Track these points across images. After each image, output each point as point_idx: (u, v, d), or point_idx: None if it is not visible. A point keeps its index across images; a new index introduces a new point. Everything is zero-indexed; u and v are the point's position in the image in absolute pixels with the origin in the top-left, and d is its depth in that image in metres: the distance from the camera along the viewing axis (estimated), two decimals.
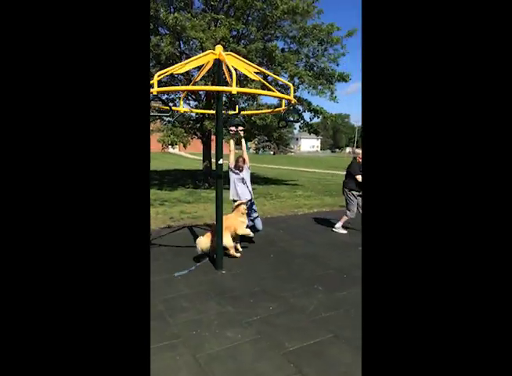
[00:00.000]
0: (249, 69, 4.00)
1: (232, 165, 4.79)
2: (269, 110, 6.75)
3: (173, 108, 4.95)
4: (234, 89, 3.07)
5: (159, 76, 3.29)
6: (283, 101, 4.45)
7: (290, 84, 4.20)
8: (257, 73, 4.06)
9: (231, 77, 3.43)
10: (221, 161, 3.89)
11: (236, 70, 4.60)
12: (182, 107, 5.37)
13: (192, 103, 11.88)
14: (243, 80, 9.38)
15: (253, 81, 9.28)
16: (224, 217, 4.02)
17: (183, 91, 7.52)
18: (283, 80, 5.24)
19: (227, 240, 4.11)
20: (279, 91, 3.74)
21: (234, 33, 10.24)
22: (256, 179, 14.88)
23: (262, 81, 4.14)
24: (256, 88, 9.21)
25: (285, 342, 2.41)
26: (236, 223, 4.32)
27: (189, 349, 2.32)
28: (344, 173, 5.92)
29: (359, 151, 5.46)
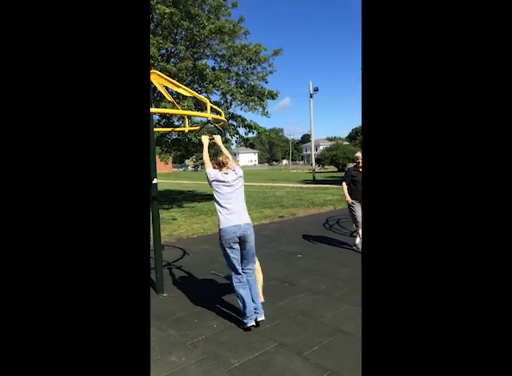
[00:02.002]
0: (178, 88, 4.02)
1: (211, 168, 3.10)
2: (183, 129, 6.72)
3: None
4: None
5: None
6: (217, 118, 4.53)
7: (207, 100, 4.02)
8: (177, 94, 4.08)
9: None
10: (155, 181, 3.80)
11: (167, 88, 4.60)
12: None
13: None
14: (175, 98, 9.32)
15: (185, 98, 9.29)
16: None
17: None
18: (199, 97, 5.04)
19: None
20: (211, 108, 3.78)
21: (163, 51, 10.19)
22: (196, 197, 14.68)
23: (196, 95, 4.19)
24: (189, 106, 9.22)
25: (230, 358, 2.40)
26: None
27: None
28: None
29: (359, 154, 5.11)
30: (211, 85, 10.12)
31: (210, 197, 14.49)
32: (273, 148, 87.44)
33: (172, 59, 10.65)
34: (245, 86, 11.30)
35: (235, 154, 72.41)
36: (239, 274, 2.91)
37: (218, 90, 10.42)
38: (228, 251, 2.87)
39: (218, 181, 2.99)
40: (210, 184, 3.05)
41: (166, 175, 37.65)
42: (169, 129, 8.84)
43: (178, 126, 10.71)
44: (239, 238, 2.88)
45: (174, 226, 7.71)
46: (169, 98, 4.76)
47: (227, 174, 3.03)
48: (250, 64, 11.18)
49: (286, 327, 2.83)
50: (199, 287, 3.88)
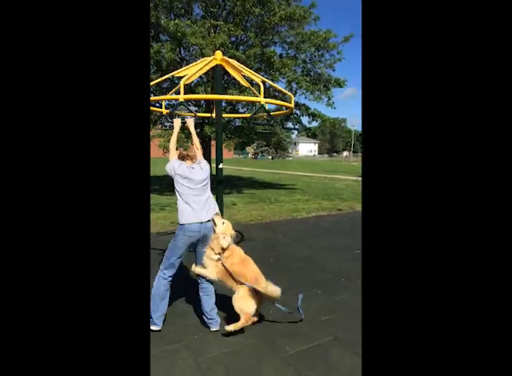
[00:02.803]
0: (246, 75, 4.06)
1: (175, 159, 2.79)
2: (247, 115, 6.85)
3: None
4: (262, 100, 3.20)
5: (185, 82, 3.34)
6: (283, 106, 4.52)
7: (290, 94, 4.19)
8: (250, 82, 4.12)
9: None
10: (221, 166, 3.94)
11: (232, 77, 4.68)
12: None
13: (192, 108, 11.94)
14: (241, 85, 9.45)
15: (252, 86, 9.38)
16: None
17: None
18: (279, 87, 5.22)
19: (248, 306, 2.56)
20: (276, 96, 3.79)
21: (233, 39, 10.34)
22: (254, 184, 14.91)
23: (249, 86, 4.22)
24: (254, 94, 9.30)
25: (285, 346, 2.44)
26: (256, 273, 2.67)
27: (191, 353, 2.35)
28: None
29: None
30: (278, 73, 10.07)
31: (268, 185, 14.65)
32: (334, 139, 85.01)
33: (241, 47, 10.77)
34: (311, 74, 11.07)
35: (294, 144, 71.79)
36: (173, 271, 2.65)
37: (284, 78, 10.34)
38: (182, 247, 2.59)
39: (182, 176, 2.63)
40: (172, 177, 2.68)
41: (227, 161, 38.67)
42: (234, 115, 9.03)
43: (243, 113, 10.88)
44: (200, 238, 2.62)
45: (234, 211, 7.93)
46: (245, 83, 4.74)
47: (193, 168, 2.70)
48: (318, 51, 10.89)
49: (342, 322, 2.80)
50: None
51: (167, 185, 13.62)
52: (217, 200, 3.96)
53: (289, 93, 4.33)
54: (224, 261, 2.56)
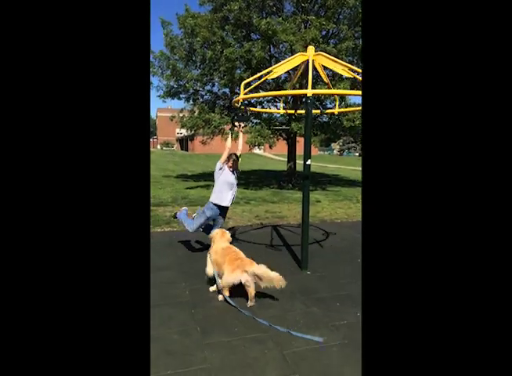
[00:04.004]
0: (338, 67, 3.95)
1: (224, 163, 3.99)
2: (356, 109, 6.56)
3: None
4: (310, 91, 3.08)
5: (245, 85, 3.49)
6: None
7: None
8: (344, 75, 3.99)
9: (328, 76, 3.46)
10: (309, 162, 3.90)
11: (326, 68, 4.58)
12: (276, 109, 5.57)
13: (279, 104, 12.09)
14: (331, 80, 9.23)
15: (342, 80, 9.08)
16: (220, 249, 3.22)
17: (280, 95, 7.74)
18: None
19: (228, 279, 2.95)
20: None
21: (323, 33, 10.14)
22: (340, 181, 14.48)
23: (356, 76, 4.06)
24: (345, 88, 8.99)
25: None
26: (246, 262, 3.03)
27: (277, 345, 2.39)
28: None
29: None
30: None
31: (353, 183, 14.08)
32: None
33: (332, 41, 10.50)
34: None
35: None
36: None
37: None
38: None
39: (226, 177, 3.97)
40: (217, 171, 4.00)
41: (312, 157, 38.11)
42: (318, 111, 8.83)
43: (330, 108, 10.63)
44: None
45: (318, 208, 7.82)
46: (326, 79, 4.71)
47: (233, 174, 4.04)
48: None
49: None
50: (341, 271, 3.86)
51: (252, 179, 14.05)
52: (302, 197, 3.96)
53: None
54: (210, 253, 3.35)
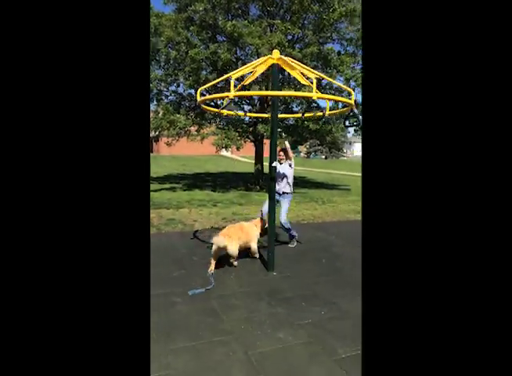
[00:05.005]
0: (302, 72, 4.01)
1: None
2: (298, 115, 6.77)
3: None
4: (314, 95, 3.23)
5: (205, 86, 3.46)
6: (339, 104, 4.39)
7: (350, 90, 4.05)
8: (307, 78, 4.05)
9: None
10: (274, 164, 3.93)
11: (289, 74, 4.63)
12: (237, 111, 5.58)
13: (246, 106, 12.12)
14: (297, 83, 9.39)
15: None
16: (238, 224, 4.25)
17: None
18: (339, 84, 5.09)
19: (233, 249, 3.85)
20: (332, 94, 3.66)
21: (289, 37, 10.30)
22: (306, 184, 14.73)
23: (310, 84, 4.15)
24: (310, 91, 9.17)
25: (337, 348, 2.37)
26: (252, 236, 4.21)
27: (242, 346, 2.37)
28: None
29: None
30: (335, 71, 9.84)
31: (320, 185, 14.38)
32: None
33: (297, 45, 10.68)
34: None
35: (350, 143, 69.65)
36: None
37: (341, 76, 10.08)
38: None
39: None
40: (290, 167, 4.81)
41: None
42: (288, 115, 8.97)
43: (296, 112, 10.81)
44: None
45: None
46: (305, 82, 4.70)
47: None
48: None
49: None
50: (306, 271, 3.92)
51: (219, 182, 13.98)
52: (268, 198, 3.99)
53: (349, 89, 4.17)
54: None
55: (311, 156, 51.90)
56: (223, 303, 3.02)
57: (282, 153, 4.82)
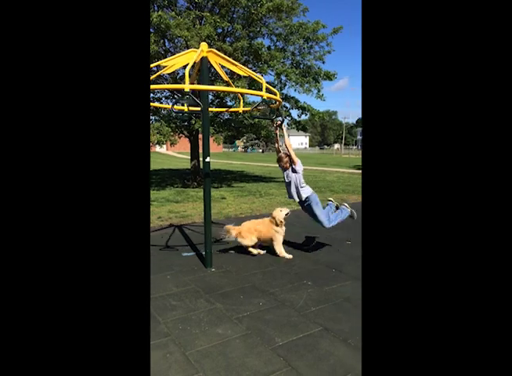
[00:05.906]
0: (234, 67, 3.99)
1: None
2: (235, 109, 6.85)
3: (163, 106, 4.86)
4: (187, 86, 2.96)
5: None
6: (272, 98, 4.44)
7: (263, 81, 3.87)
8: (231, 73, 4.04)
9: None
10: (208, 159, 3.87)
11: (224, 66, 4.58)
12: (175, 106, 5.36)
13: (183, 101, 11.79)
14: (230, 77, 9.35)
15: (240, 78, 9.27)
16: (260, 220, 4.46)
17: (169, 90, 7.50)
18: (254, 76, 4.92)
19: (247, 242, 4.27)
20: (261, 89, 3.62)
21: (219, 31, 10.20)
22: (245, 177, 14.86)
23: (251, 74, 4.13)
24: (243, 86, 9.19)
25: (275, 337, 2.43)
26: (271, 233, 4.29)
27: (180, 347, 2.32)
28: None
29: None
30: (266, 65, 9.99)
31: (258, 179, 14.60)
32: (325, 131, 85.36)
33: (228, 39, 10.63)
34: (301, 66, 11.01)
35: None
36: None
37: (272, 70, 10.27)
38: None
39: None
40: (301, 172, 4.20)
41: (217, 154, 38.50)
42: (223, 109, 8.91)
43: (230, 106, 10.78)
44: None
45: (223, 205, 7.89)
46: (225, 77, 4.75)
47: (283, 172, 4.36)
48: (308, 43, 10.83)
49: (331, 313, 2.80)
50: (245, 265, 3.95)
51: (154, 179, 13.47)
52: (204, 194, 3.93)
53: (274, 89, 4.21)
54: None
55: (249, 150, 52.46)
56: (159, 305, 2.92)
57: (286, 159, 4.11)
